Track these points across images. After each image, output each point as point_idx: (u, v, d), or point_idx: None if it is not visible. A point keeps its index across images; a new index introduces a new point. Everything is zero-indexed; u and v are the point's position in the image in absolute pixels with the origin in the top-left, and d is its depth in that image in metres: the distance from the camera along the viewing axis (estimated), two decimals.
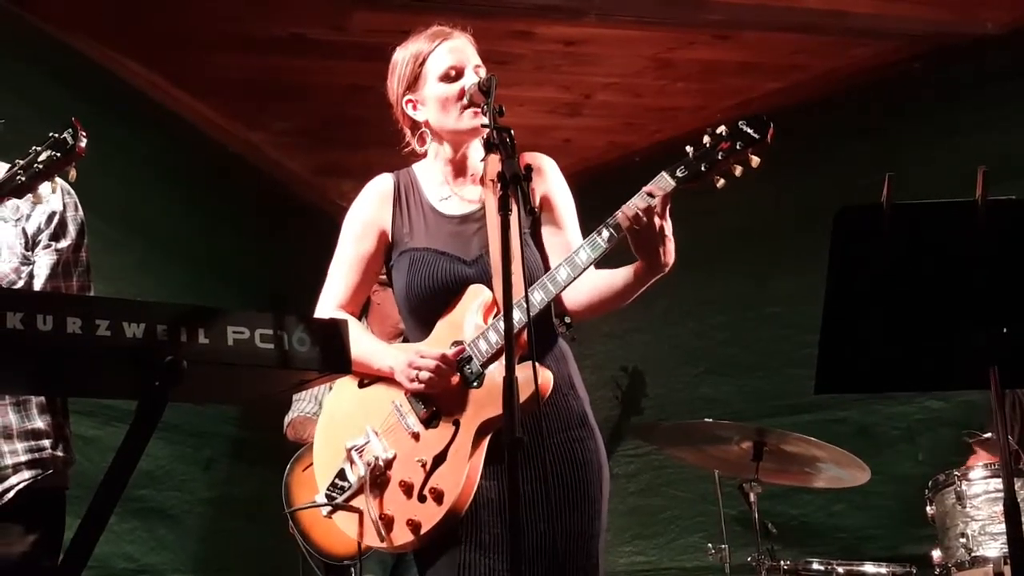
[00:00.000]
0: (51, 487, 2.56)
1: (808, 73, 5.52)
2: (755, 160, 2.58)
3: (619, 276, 2.70)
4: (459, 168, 2.87)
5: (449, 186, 2.86)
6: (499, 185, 2.32)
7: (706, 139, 2.61)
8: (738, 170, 2.59)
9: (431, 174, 2.90)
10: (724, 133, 2.59)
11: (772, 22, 5.08)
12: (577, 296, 2.78)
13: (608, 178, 5.75)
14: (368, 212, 2.87)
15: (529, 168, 2.36)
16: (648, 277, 2.65)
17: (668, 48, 5.28)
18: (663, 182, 2.58)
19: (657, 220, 2.55)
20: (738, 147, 2.58)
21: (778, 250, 5.47)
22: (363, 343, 2.74)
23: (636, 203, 2.56)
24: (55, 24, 4.81)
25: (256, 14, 4.91)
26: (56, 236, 2.62)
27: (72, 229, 2.66)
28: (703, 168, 2.58)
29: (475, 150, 2.85)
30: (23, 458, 2.50)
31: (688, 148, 2.61)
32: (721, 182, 2.61)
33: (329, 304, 2.84)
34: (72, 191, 2.70)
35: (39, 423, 2.55)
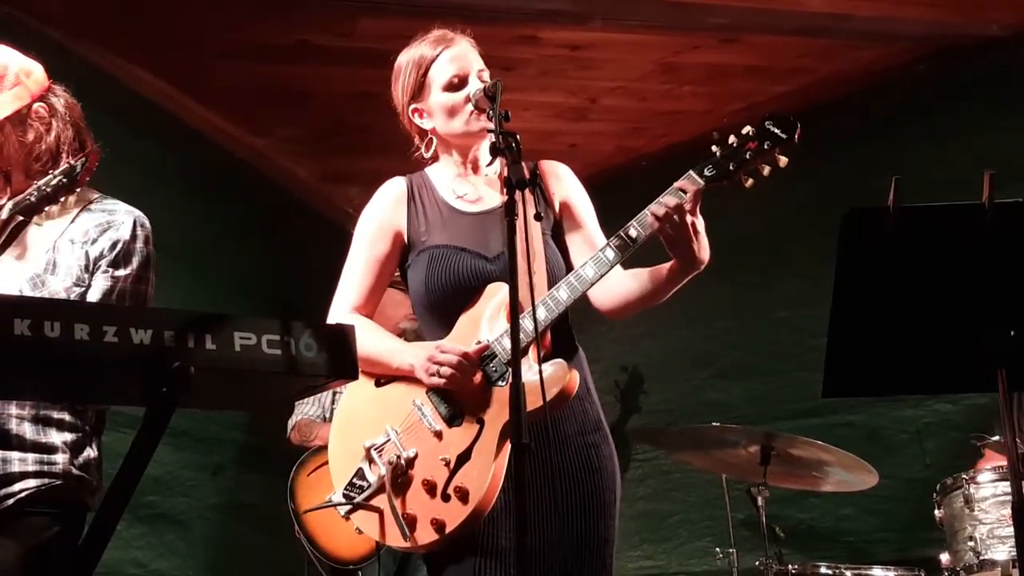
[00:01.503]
0: (60, 499, 2.52)
1: (814, 76, 5.52)
2: (783, 160, 2.59)
3: (652, 275, 2.70)
4: (472, 167, 2.88)
5: (464, 184, 2.87)
6: (506, 190, 2.32)
7: (732, 139, 2.61)
8: (766, 170, 2.59)
9: (444, 174, 2.90)
10: (751, 133, 2.60)
11: (777, 26, 5.08)
12: (608, 296, 2.79)
13: (615, 182, 5.75)
14: (382, 214, 2.86)
15: (535, 172, 2.36)
16: (683, 275, 2.64)
17: (674, 52, 5.28)
18: (692, 180, 2.58)
19: (689, 217, 2.55)
20: (766, 147, 2.58)
21: (785, 253, 5.47)
22: (380, 342, 2.72)
23: (666, 200, 2.55)
24: (61, 31, 4.82)
25: (262, 21, 4.93)
26: (116, 264, 2.62)
27: (136, 261, 2.65)
28: (731, 167, 2.58)
29: (485, 149, 2.86)
30: (31, 468, 2.49)
31: (714, 147, 2.61)
32: (750, 182, 2.61)
33: (343, 307, 2.82)
34: (146, 224, 2.72)
35: (54, 439, 2.52)
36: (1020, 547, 2.19)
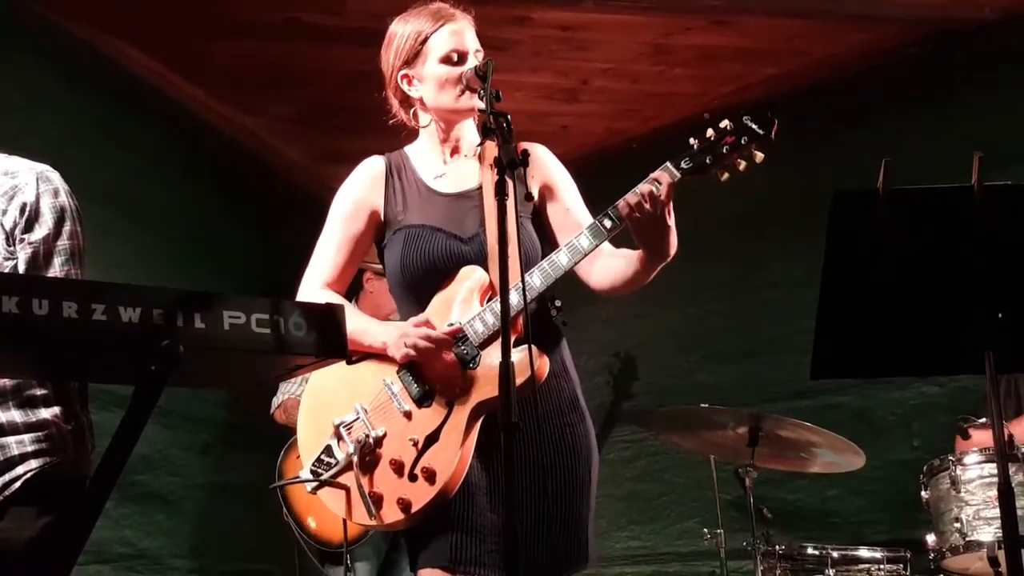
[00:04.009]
0: (64, 475, 2.51)
1: (806, 58, 5.50)
2: (759, 155, 2.63)
3: (634, 259, 2.71)
4: (452, 146, 2.88)
5: (443, 164, 2.87)
6: (496, 170, 2.32)
7: (710, 132, 2.64)
8: (742, 165, 2.64)
9: (423, 153, 2.90)
10: (729, 127, 2.63)
11: (770, 8, 5.07)
12: (599, 275, 2.80)
13: (606, 164, 5.74)
14: (359, 192, 2.87)
15: (526, 153, 2.36)
16: (651, 264, 2.67)
17: (665, 34, 5.27)
18: (668, 172, 2.61)
19: (660, 209, 2.56)
20: (742, 142, 2.62)
21: (776, 235, 5.47)
22: (354, 320, 2.67)
23: (641, 190, 2.57)
24: (52, 10, 4.79)
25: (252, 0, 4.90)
26: (29, 228, 2.54)
27: (49, 217, 2.56)
28: (707, 161, 2.62)
29: (468, 128, 2.87)
30: (30, 448, 2.47)
31: (692, 140, 2.64)
32: (725, 176, 2.65)
33: (315, 282, 2.82)
34: (52, 177, 2.62)
35: (45, 415, 2.51)
36: (1006, 528, 2.21)
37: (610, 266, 2.77)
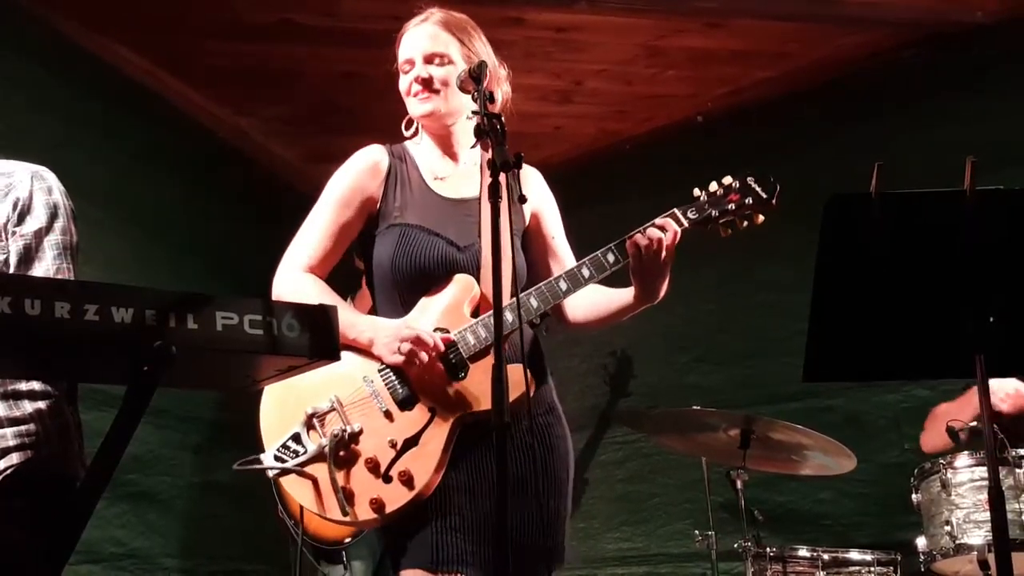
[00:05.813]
0: (46, 471, 2.50)
1: (799, 61, 5.52)
2: (760, 218, 2.76)
3: (616, 297, 2.78)
4: (447, 151, 2.89)
5: (444, 166, 2.87)
6: (489, 172, 2.32)
7: (714, 187, 2.75)
8: (744, 224, 2.72)
9: (425, 153, 2.90)
10: (735, 186, 2.74)
11: (763, 10, 5.08)
12: (578, 309, 2.87)
13: (598, 165, 5.75)
14: (357, 179, 2.84)
15: (519, 156, 2.36)
16: (639, 305, 2.74)
17: (659, 36, 5.28)
18: (676, 219, 2.69)
19: (664, 254, 2.62)
20: (747, 202, 2.73)
21: (769, 238, 5.43)
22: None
23: (650, 235, 2.63)
24: (44, 10, 4.78)
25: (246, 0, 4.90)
26: (20, 221, 2.54)
27: (42, 212, 2.56)
28: (713, 214, 2.73)
29: (462, 134, 2.86)
30: (12, 442, 2.46)
31: (696, 192, 2.74)
32: (728, 231, 2.77)
33: (297, 263, 2.78)
34: (46, 176, 2.63)
35: (29, 409, 2.50)
36: (996, 532, 2.22)
37: (592, 299, 2.82)
